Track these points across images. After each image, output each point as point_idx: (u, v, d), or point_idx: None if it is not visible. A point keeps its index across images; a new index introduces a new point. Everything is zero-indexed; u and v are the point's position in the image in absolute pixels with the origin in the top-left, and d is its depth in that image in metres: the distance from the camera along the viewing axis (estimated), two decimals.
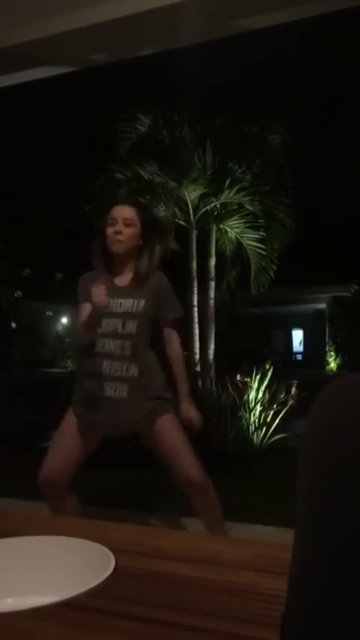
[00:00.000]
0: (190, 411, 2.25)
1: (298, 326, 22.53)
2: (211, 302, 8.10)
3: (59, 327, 21.84)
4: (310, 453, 0.40)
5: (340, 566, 0.37)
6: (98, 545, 0.78)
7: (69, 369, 15.58)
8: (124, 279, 2.18)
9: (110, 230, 2.15)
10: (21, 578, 0.77)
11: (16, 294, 14.93)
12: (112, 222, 2.15)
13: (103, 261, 2.20)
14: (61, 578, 0.74)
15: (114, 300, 2.09)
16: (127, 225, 2.14)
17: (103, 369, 2.10)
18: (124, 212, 2.17)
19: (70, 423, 2.19)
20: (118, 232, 2.13)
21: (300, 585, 0.40)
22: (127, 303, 2.12)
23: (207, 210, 7.84)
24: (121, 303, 2.12)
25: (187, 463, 2.09)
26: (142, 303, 2.12)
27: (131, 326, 2.10)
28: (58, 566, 0.78)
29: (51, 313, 21.33)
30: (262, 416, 4.97)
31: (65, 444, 2.17)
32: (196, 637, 0.59)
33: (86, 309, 2.10)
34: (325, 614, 0.37)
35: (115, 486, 3.74)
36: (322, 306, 19.33)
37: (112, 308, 2.09)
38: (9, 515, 1.08)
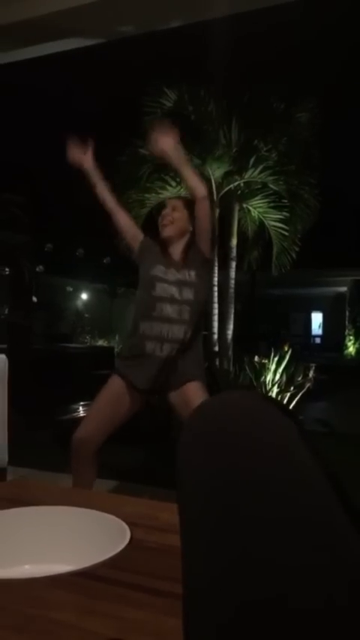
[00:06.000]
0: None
1: (317, 309, 22.31)
2: (232, 282, 8.05)
3: (79, 303, 21.99)
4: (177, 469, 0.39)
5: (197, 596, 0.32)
6: (114, 518, 0.79)
7: (87, 344, 15.72)
8: (175, 255, 2.34)
9: (160, 216, 2.37)
10: (38, 546, 0.78)
11: (37, 269, 15.05)
12: (163, 209, 2.38)
13: (161, 244, 2.38)
14: (76, 548, 0.75)
15: (169, 270, 2.28)
16: (175, 210, 2.34)
17: (160, 331, 2.24)
18: (174, 201, 2.43)
19: (111, 386, 2.30)
20: (166, 215, 2.33)
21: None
22: (180, 274, 2.27)
23: (230, 188, 7.74)
24: (174, 273, 2.28)
25: None
26: (193, 273, 2.27)
27: (188, 293, 2.25)
28: (74, 536, 0.79)
29: (71, 289, 21.47)
30: (279, 398, 4.97)
31: (103, 407, 2.29)
32: None
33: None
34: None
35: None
36: (344, 289, 19.09)
37: (167, 276, 2.27)
38: (27, 485, 1.10)
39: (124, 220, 2.41)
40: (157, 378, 2.25)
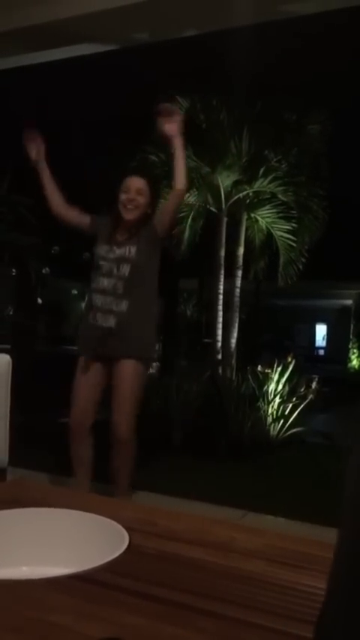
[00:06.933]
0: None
1: (322, 320, 22.26)
2: (237, 291, 8.05)
3: (84, 306, 22.05)
4: None
5: None
6: (113, 522, 0.79)
7: None
8: (122, 234, 2.45)
9: (124, 197, 2.43)
10: (35, 548, 0.78)
11: (44, 271, 15.11)
12: (126, 190, 2.44)
13: (115, 223, 2.46)
14: (74, 551, 0.75)
15: (112, 248, 2.41)
16: (139, 193, 2.42)
17: (98, 303, 2.43)
18: (137, 182, 2.47)
19: (80, 369, 2.49)
20: (132, 200, 2.41)
21: (337, 593, 0.36)
22: (120, 250, 2.40)
23: (239, 197, 7.75)
24: (115, 250, 2.41)
25: (122, 417, 2.35)
26: (134, 249, 2.38)
27: (125, 269, 2.38)
28: (72, 539, 0.79)
29: (76, 291, 21.52)
30: (281, 408, 4.95)
31: (80, 388, 2.48)
32: (205, 620, 0.60)
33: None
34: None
35: None
36: (349, 302, 19.04)
37: (109, 254, 2.42)
38: (27, 486, 1.10)
39: (71, 215, 2.53)
40: (98, 346, 2.39)
